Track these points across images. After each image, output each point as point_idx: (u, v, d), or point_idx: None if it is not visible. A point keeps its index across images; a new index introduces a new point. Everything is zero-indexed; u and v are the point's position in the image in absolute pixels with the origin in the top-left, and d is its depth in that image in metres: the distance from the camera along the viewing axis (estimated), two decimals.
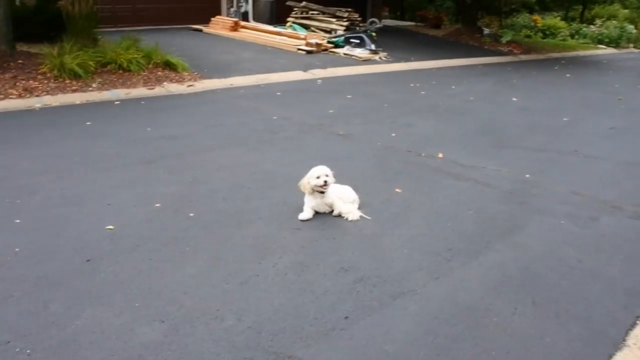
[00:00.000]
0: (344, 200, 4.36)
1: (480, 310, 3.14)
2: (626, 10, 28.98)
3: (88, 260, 3.47)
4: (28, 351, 2.61)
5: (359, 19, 16.49)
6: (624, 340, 2.95)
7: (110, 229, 3.92)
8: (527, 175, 5.58)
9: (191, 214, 4.22)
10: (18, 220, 4.00)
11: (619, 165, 6.13)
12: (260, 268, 3.47)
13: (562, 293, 3.37)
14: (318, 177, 4.17)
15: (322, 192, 4.24)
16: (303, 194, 4.34)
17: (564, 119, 8.48)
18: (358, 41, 14.09)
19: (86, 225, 3.98)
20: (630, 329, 3.05)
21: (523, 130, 7.66)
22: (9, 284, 3.18)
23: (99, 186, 4.75)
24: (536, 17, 24.50)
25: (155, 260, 3.51)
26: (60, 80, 8.71)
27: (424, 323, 2.99)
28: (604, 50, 21.95)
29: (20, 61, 9.14)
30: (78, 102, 8.06)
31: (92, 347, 2.66)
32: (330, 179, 4.24)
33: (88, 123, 6.83)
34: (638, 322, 3.12)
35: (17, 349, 2.62)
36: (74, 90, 8.50)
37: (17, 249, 3.57)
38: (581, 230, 4.33)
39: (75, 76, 8.86)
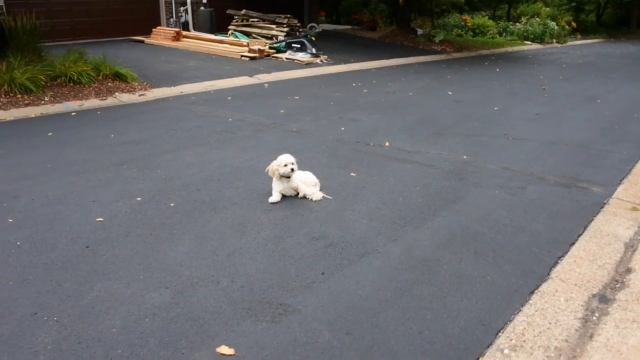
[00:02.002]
0: (307, 183, 4.91)
1: (432, 261, 3.75)
2: (548, 8, 30.92)
3: (87, 247, 3.88)
4: (55, 318, 3.03)
5: (298, 24, 17.10)
6: (548, 274, 3.62)
7: (100, 220, 4.32)
8: (465, 157, 6.29)
9: (172, 204, 4.67)
10: (11, 220, 4.33)
11: (542, 145, 6.94)
12: (242, 242, 3.98)
13: (498, 245, 4.03)
14: (285, 166, 4.70)
15: (288, 178, 4.77)
16: (269, 181, 4.88)
17: (495, 108, 9.32)
18: (299, 46, 14.68)
19: (76, 219, 4.37)
20: (553, 267, 3.73)
21: (458, 119, 8.41)
22: (20, 270, 3.55)
23: (78, 187, 5.10)
24: (466, 16, 25.78)
25: (148, 242, 3.96)
26: (11, 95, 8.90)
27: (387, 273, 3.57)
28: (529, 46, 23.35)
29: None
30: (33, 116, 8.27)
31: (110, 312, 3.10)
32: (295, 167, 4.77)
33: (50, 134, 7.10)
34: (559, 261, 3.81)
35: (45, 318, 3.03)
36: (27, 105, 8.70)
37: (18, 243, 3.93)
38: (512, 197, 5.03)
39: (27, 91, 9.05)
